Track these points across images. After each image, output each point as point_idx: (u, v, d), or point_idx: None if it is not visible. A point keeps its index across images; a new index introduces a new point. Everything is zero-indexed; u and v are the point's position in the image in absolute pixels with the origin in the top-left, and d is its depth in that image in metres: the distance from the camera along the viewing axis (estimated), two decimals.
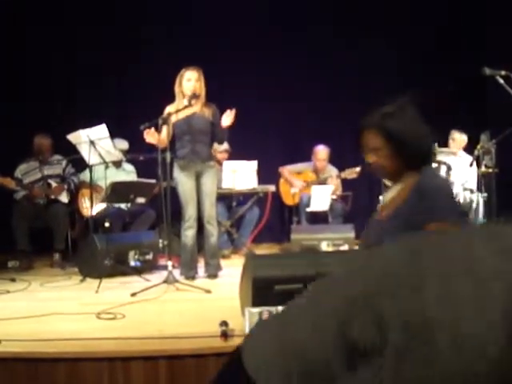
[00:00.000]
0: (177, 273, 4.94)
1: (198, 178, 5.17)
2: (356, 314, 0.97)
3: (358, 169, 6.94)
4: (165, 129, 4.85)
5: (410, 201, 2.11)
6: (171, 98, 5.15)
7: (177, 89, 5.13)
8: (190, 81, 5.06)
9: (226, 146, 6.82)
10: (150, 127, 4.77)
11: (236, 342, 2.95)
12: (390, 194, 2.29)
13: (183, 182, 5.11)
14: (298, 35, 7.86)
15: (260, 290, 3.18)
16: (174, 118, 5.07)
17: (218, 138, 5.29)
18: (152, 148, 5.00)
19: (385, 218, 2.21)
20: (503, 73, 4.59)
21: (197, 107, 5.10)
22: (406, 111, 2.31)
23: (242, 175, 6.52)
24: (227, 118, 5.07)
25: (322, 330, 1.06)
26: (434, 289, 0.91)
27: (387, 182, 6.61)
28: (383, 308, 0.93)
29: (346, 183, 7.33)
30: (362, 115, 7.95)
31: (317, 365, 1.03)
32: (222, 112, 5.17)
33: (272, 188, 6.95)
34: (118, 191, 5.43)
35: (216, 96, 5.31)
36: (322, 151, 7.32)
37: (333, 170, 7.33)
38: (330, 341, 1.01)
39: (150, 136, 4.83)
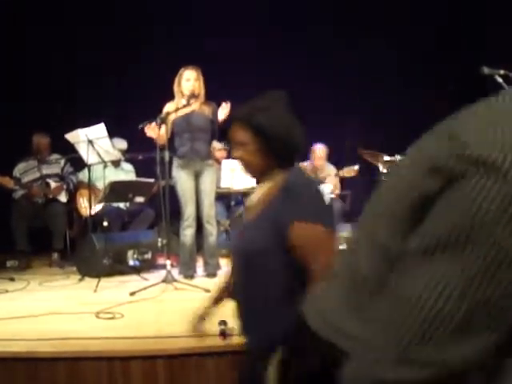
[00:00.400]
0: (175, 272, 4.94)
1: (197, 176, 5.17)
2: None
3: (356, 167, 6.94)
4: (163, 127, 4.84)
5: (276, 201, 1.95)
6: (170, 98, 5.16)
7: (176, 88, 5.13)
8: (188, 80, 5.06)
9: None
10: (146, 126, 4.77)
11: (235, 341, 2.95)
12: (257, 194, 2.12)
13: (182, 180, 5.11)
14: (298, 35, 7.86)
15: None
16: (173, 116, 5.08)
17: (218, 135, 5.29)
18: (151, 147, 4.99)
19: (252, 219, 2.04)
20: (502, 72, 4.58)
21: (196, 105, 5.11)
22: (277, 106, 2.13)
23: (240, 174, 6.51)
24: (223, 111, 5.07)
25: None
26: None
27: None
28: None
29: (344, 182, 7.33)
30: (361, 114, 7.95)
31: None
32: None
33: None
34: (117, 190, 5.43)
35: (215, 95, 5.31)
36: (319, 150, 7.32)
37: (331, 169, 7.32)
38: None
39: (151, 130, 4.82)
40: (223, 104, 5.08)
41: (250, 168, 2.12)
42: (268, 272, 1.90)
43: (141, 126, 4.73)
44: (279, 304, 1.87)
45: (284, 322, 1.69)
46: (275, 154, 2.03)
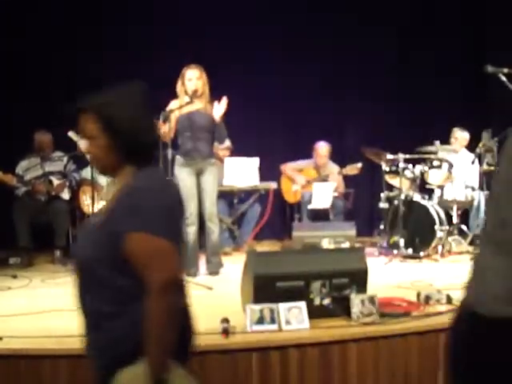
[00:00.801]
0: None
1: (198, 175, 5.17)
2: None
3: (359, 165, 6.93)
4: (167, 125, 4.83)
5: (116, 207, 1.78)
6: (173, 95, 5.15)
7: (179, 88, 5.12)
8: (191, 80, 5.05)
9: (227, 143, 6.80)
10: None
11: (237, 338, 2.95)
12: (109, 194, 1.99)
13: (184, 178, 5.11)
14: (299, 33, 7.86)
15: (261, 287, 3.18)
16: (177, 114, 5.07)
17: (217, 136, 5.30)
18: None
19: (97, 223, 1.85)
20: (506, 70, 4.57)
21: (200, 104, 5.10)
22: (132, 100, 1.92)
23: (243, 172, 6.51)
24: (218, 108, 5.06)
25: None
26: None
27: (388, 180, 6.63)
28: None
29: (347, 180, 7.32)
30: (363, 112, 7.96)
31: None
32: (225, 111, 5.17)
33: (273, 185, 6.94)
34: None
35: (217, 94, 5.30)
36: (322, 147, 7.30)
37: (334, 167, 7.31)
38: None
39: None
40: (222, 100, 5.07)
41: (98, 163, 1.92)
42: (101, 283, 1.79)
43: None
44: (115, 317, 1.76)
45: (120, 334, 1.68)
46: (125, 151, 1.84)
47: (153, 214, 1.73)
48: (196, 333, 1.92)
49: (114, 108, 1.87)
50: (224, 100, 5.05)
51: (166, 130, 4.81)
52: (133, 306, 1.72)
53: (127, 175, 1.84)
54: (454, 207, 6.32)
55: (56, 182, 6.36)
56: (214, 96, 5.21)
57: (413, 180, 6.28)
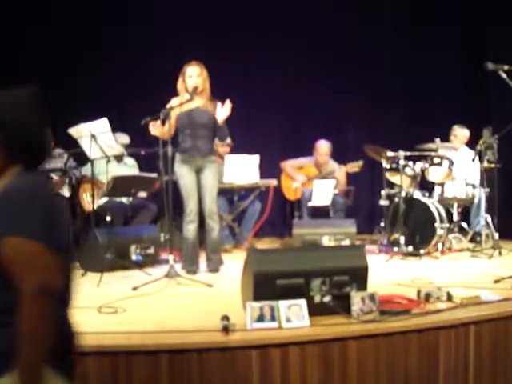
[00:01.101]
0: (178, 267, 4.93)
1: (198, 172, 5.17)
2: None
3: (360, 162, 6.94)
4: (167, 123, 4.83)
5: None
6: (173, 93, 5.15)
7: (180, 85, 5.12)
8: (191, 77, 5.05)
9: (228, 140, 6.81)
10: (151, 121, 4.76)
11: (237, 336, 2.95)
12: None
13: (184, 175, 5.11)
14: (299, 32, 7.88)
15: (261, 285, 3.18)
16: (177, 112, 5.07)
17: (219, 135, 5.29)
18: (153, 142, 4.98)
19: None
20: (506, 67, 4.57)
21: (201, 101, 5.10)
22: (17, 101, 1.87)
23: (243, 169, 6.51)
24: (222, 111, 5.06)
25: None
26: None
27: (389, 177, 6.63)
28: None
29: (347, 178, 7.32)
30: (363, 110, 7.98)
31: None
32: None
33: (274, 182, 6.94)
34: (120, 185, 5.42)
35: (218, 92, 5.29)
36: (323, 146, 7.31)
37: (334, 165, 7.32)
38: None
39: (156, 128, 4.82)
40: (226, 102, 5.06)
41: None
42: None
43: (143, 122, 4.71)
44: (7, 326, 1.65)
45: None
46: (10, 151, 1.78)
47: (29, 218, 1.67)
48: (76, 341, 1.88)
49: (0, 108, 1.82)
50: (228, 103, 5.04)
51: (165, 128, 4.82)
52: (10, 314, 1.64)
53: (11, 176, 1.78)
54: (455, 205, 6.32)
55: (56, 178, 6.35)
56: (215, 94, 5.21)
57: (413, 177, 6.28)
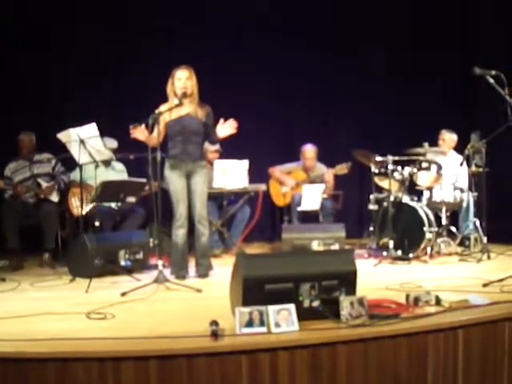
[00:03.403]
0: (167, 272, 4.92)
1: (188, 177, 5.17)
2: None
3: (349, 164, 6.94)
4: (155, 128, 4.82)
5: None
6: (163, 97, 5.14)
7: (169, 89, 5.11)
8: (180, 80, 5.05)
9: (216, 146, 6.81)
10: (139, 126, 4.75)
11: (226, 341, 2.94)
12: None
13: (174, 180, 5.11)
14: (293, 39, 7.91)
15: (250, 290, 3.18)
16: (167, 118, 5.06)
17: (211, 139, 5.29)
18: (143, 147, 4.97)
19: None
20: (493, 72, 4.60)
21: (190, 107, 5.10)
22: None
23: (232, 174, 6.50)
24: (223, 129, 5.07)
25: None
26: None
27: (377, 181, 6.66)
28: None
29: (336, 182, 7.33)
30: (352, 114, 8.02)
31: None
32: (215, 114, 5.16)
33: (263, 187, 6.95)
34: (108, 190, 5.41)
35: (208, 96, 5.30)
36: (309, 150, 7.32)
37: (322, 168, 7.32)
38: None
39: (138, 132, 4.81)
40: (230, 121, 5.07)
41: None
42: None
43: (132, 127, 4.71)
44: None
45: None
46: None
47: None
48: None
49: None
50: (232, 123, 5.05)
51: (154, 134, 4.80)
52: None
53: None
54: (443, 209, 6.35)
55: (44, 184, 6.33)
56: (205, 99, 5.20)
57: (402, 182, 6.30)
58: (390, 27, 7.99)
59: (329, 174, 7.16)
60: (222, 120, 5.09)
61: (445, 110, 7.79)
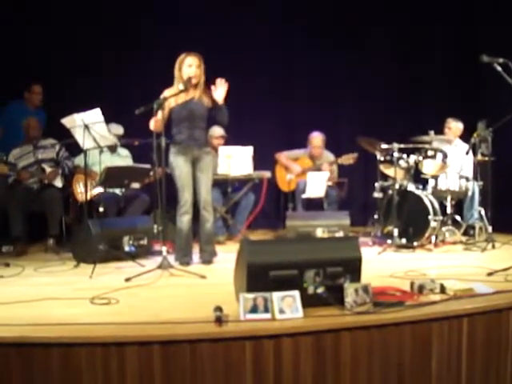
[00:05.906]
0: (171, 258, 4.92)
1: (194, 163, 5.15)
2: None
3: (355, 154, 6.93)
4: (160, 113, 4.79)
5: None
6: (168, 83, 5.11)
7: (176, 73, 5.07)
8: (190, 67, 5.02)
9: (221, 131, 6.80)
10: (144, 111, 4.73)
11: (230, 327, 2.94)
12: None
13: (180, 166, 5.09)
14: (296, 27, 7.89)
15: (254, 276, 3.17)
16: (172, 103, 5.04)
17: (220, 117, 5.21)
18: (147, 133, 4.96)
19: None
20: (501, 60, 4.57)
21: (195, 93, 5.07)
22: None
23: (237, 161, 6.49)
24: (218, 91, 5.04)
25: None
26: None
27: (383, 169, 6.63)
28: None
29: (341, 170, 7.31)
30: (357, 102, 7.97)
31: None
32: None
33: (267, 174, 6.93)
34: (113, 176, 5.40)
35: (212, 82, 5.27)
36: (316, 138, 7.29)
37: (329, 156, 7.30)
38: None
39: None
40: (218, 81, 5.04)
41: None
42: None
43: (137, 112, 4.68)
44: None
45: None
46: None
47: None
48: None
49: None
50: (220, 81, 5.02)
51: (158, 117, 4.78)
52: None
53: None
54: (448, 197, 6.33)
55: (48, 169, 6.32)
56: (209, 86, 5.18)
57: (407, 170, 6.27)
58: (397, 18, 7.97)
59: (327, 165, 7.11)
60: (213, 87, 5.05)
61: (451, 99, 7.75)
